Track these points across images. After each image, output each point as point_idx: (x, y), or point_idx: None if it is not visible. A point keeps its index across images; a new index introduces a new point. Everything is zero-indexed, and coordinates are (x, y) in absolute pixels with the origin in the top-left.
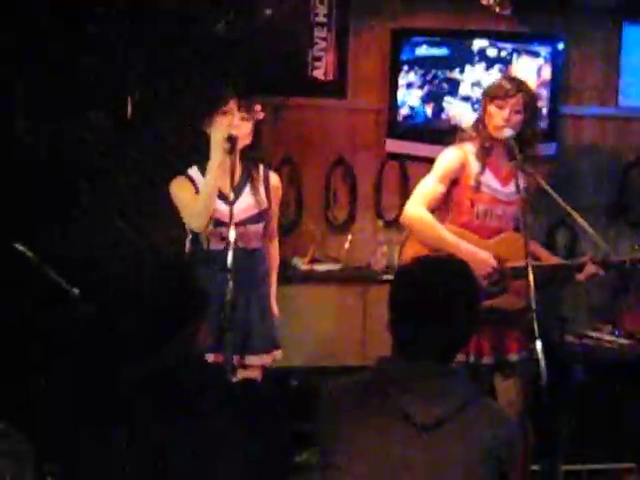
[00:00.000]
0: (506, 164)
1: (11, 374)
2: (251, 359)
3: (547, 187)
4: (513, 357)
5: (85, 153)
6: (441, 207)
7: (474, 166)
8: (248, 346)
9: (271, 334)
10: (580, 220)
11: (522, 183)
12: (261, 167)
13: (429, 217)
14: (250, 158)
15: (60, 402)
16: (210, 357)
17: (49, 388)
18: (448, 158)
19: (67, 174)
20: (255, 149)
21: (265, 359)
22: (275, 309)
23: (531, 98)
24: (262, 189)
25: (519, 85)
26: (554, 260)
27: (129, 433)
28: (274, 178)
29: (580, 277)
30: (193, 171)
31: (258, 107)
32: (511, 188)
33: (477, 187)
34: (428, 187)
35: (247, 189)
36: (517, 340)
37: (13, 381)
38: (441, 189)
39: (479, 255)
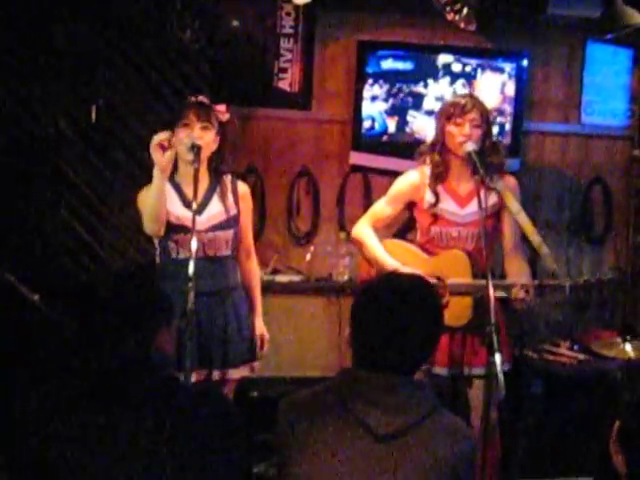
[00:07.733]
0: (467, 182)
1: None
2: (231, 372)
3: (512, 201)
4: (473, 370)
5: (44, 157)
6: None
7: (429, 194)
8: (229, 359)
9: (249, 344)
10: (535, 238)
11: (487, 200)
12: (228, 177)
13: (367, 235)
14: (216, 167)
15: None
16: (193, 376)
17: None
18: (402, 182)
19: (23, 177)
20: (220, 156)
21: (242, 371)
22: (263, 330)
23: (486, 110)
24: (230, 196)
25: (473, 100)
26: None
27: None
28: (242, 187)
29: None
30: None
31: (221, 108)
32: (471, 208)
33: (434, 214)
34: (378, 207)
35: (215, 197)
36: (475, 354)
37: None
38: (389, 211)
39: (402, 271)
